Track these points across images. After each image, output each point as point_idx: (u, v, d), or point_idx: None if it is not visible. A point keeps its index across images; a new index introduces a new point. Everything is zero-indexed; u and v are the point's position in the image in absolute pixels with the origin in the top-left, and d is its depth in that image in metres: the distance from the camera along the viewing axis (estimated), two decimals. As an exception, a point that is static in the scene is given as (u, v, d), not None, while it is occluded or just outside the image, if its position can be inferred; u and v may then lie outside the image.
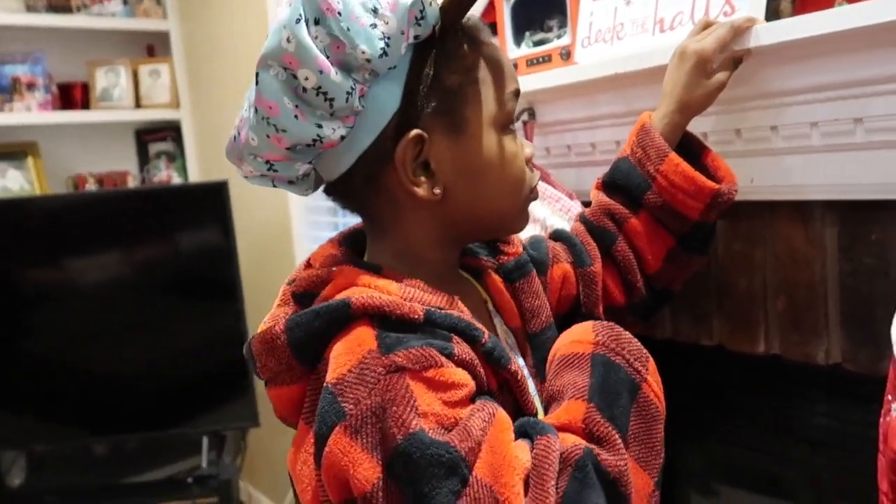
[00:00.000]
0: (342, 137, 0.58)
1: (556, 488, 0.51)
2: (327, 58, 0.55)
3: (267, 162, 0.62)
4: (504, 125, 0.63)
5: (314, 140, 0.58)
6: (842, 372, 0.90)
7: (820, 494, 1.07)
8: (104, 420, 2.20)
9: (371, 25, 0.55)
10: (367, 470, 0.51)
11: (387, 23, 0.56)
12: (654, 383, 0.61)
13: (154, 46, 2.93)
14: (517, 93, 0.64)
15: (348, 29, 0.55)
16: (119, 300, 2.21)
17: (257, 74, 0.57)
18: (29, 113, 2.50)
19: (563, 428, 0.57)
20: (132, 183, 2.86)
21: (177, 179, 2.95)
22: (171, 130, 2.93)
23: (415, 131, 0.59)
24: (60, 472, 2.28)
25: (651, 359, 0.62)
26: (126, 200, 2.33)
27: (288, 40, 0.55)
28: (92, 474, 2.25)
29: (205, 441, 2.25)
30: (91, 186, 2.72)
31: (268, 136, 0.59)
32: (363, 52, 0.55)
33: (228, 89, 2.60)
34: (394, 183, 0.61)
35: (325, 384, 0.54)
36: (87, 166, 2.77)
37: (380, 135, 0.59)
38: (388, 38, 0.56)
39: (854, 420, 0.98)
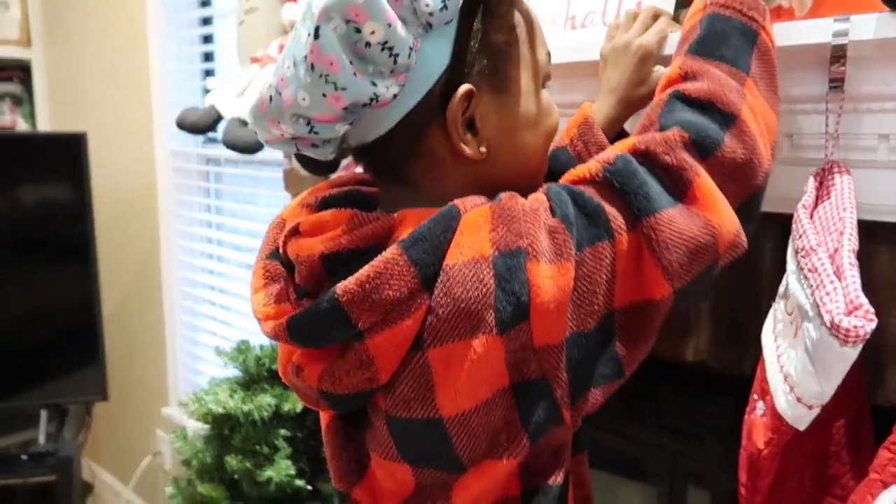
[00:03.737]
0: (394, 96, 0.56)
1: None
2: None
3: (309, 123, 0.57)
4: (543, 82, 0.64)
5: (371, 99, 0.55)
6: (707, 368, 0.97)
7: (674, 478, 1.15)
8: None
9: None
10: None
11: None
12: (770, 33, 0.65)
13: (2, -27, 2.60)
14: (549, 53, 0.65)
15: None
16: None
17: (317, 28, 0.53)
18: None
19: (662, 88, 0.63)
20: (-32, 125, 2.54)
21: (23, 126, 2.65)
22: (18, 70, 2.62)
23: (466, 86, 0.58)
24: None
25: (769, 11, 0.66)
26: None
27: None
28: None
29: (43, 414, 2.06)
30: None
31: (324, 96, 0.55)
32: (427, 5, 0.54)
33: (89, 29, 2.36)
34: (438, 142, 0.59)
35: (483, 258, 0.53)
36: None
37: (427, 93, 0.57)
38: None
39: (712, 413, 1.06)
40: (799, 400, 0.65)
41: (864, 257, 0.80)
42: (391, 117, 0.57)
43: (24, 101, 2.69)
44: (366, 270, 0.53)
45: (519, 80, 0.61)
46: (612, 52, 0.79)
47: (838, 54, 0.65)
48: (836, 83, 0.68)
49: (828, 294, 0.60)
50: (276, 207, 1.81)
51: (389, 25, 0.52)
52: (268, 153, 1.83)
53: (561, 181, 0.60)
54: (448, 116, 0.58)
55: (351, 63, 0.53)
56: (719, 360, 0.95)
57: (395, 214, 0.57)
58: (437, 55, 0.56)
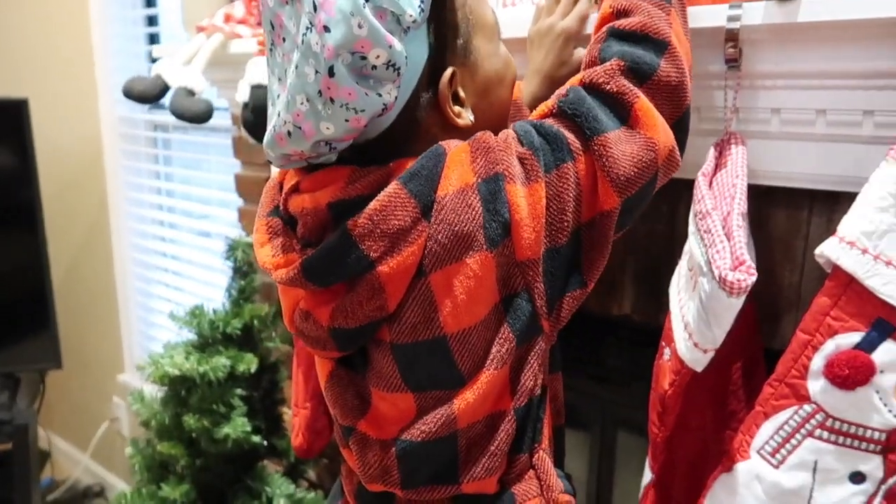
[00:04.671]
0: (395, 98, 0.61)
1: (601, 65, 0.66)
2: None
3: (328, 143, 0.62)
4: (498, 36, 0.70)
5: (382, 109, 0.60)
6: (631, 322, 1.05)
7: (605, 422, 1.25)
8: None
9: None
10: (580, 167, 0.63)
11: None
12: None
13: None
14: (493, 11, 0.71)
15: None
16: None
17: (331, 67, 0.57)
18: None
19: (597, 28, 0.69)
20: None
21: (-41, 90, 2.57)
22: (-49, 31, 2.53)
23: (450, 69, 0.64)
24: None
25: None
26: None
27: (360, 26, 0.56)
28: None
29: (-4, 383, 2.07)
30: None
31: (346, 121, 0.60)
32: (410, 16, 0.59)
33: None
34: (432, 122, 0.65)
35: (469, 186, 0.60)
36: None
37: (416, 84, 0.62)
38: None
39: (638, 362, 1.16)
40: (696, 345, 0.74)
41: (763, 218, 0.89)
42: (392, 115, 0.62)
43: (-42, 64, 2.60)
44: (372, 205, 0.60)
45: (481, 45, 0.67)
46: (536, 35, 0.85)
47: (731, 37, 0.73)
48: (731, 63, 0.75)
49: (718, 252, 0.68)
50: (225, 174, 1.83)
51: (390, 46, 0.57)
52: (217, 120, 1.84)
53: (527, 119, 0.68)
54: (440, 99, 0.64)
55: (360, 85, 0.58)
56: (641, 314, 1.04)
57: (391, 164, 0.63)
58: (418, 51, 0.62)
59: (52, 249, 2.10)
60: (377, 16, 0.57)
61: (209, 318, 1.28)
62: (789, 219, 0.87)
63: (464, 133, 0.65)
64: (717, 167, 0.79)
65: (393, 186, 0.60)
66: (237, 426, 1.21)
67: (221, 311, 1.32)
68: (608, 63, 0.66)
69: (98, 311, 2.39)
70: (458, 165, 0.61)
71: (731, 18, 0.72)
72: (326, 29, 0.57)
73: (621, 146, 0.64)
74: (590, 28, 0.85)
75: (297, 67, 0.60)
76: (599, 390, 1.24)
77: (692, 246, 0.75)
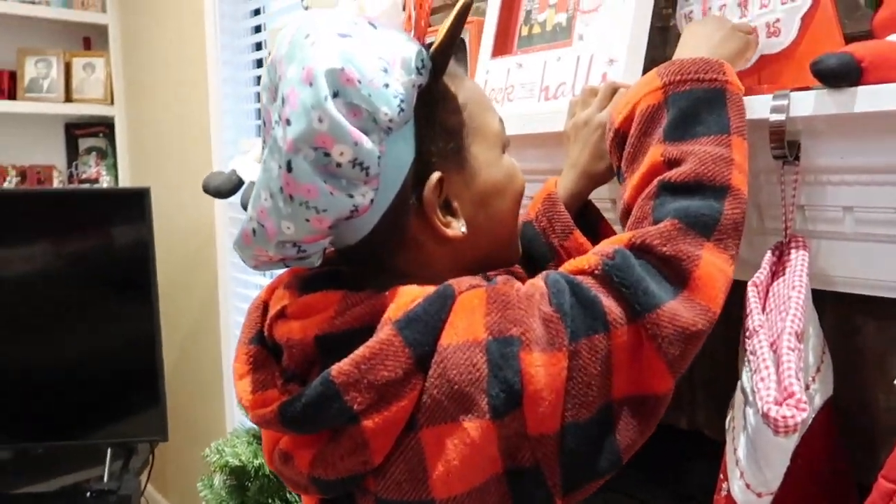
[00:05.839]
0: (371, 201, 0.57)
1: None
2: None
3: (296, 245, 0.59)
4: (504, 146, 0.66)
5: (352, 211, 0.57)
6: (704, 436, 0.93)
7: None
8: (5, 426, 2.13)
9: (384, 85, 0.56)
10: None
11: (398, 79, 0.56)
12: (734, 80, 0.64)
13: (91, 39, 2.85)
14: (501, 121, 0.67)
15: (369, 95, 0.55)
16: (27, 300, 2.14)
17: (289, 161, 0.55)
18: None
19: (645, 177, 0.63)
20: (57, 178, 2.77)
21: (106, 177, 2.87)
22: (103, 126, 2.86)
23: (437, 174, 0.59)
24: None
25: (726, 62, 0.65)
26: (45, 200, 2.26)
27: (320, 120, 0.54)
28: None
29: (109, 452, 2.19)
30: (12, 179, 2.64)
31: (307, 220, 0.57)
32: (386, 114, 0.55)
33: (161, 88, 2.55)
34: (419, 230, 0.61)
35: (477, 343, 0.54)
36: (9, 158, 2.68)
37: (400, 188, 0.59)
38: (402, 95, 0.56)
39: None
40: (748, 486, 0.62)
41: (851, 332, 0.76)
42: (371, 219, 0.59)
43: (108, 154, 2.92)
44: (361, 351, 0.54)
45: (480, 153, 0.63)
46: (573, 129, 0.79)
47: (777, 130, 0.64)
48: (780, 157, 0.66)
49: (762, 380, 0.57)
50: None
51: (356, 143, 0.54)
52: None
53: (561, 269, 0.60)
54: (426, 205, 0.59)
55: (326, 184, 0.54)
56: (714, 430, 0.91)
57: (387, 293, 0.57)
58: (402, 152, 0.58)
59: (164, 327, 2.24)
60: (349, 112, 0.54)
61: (271, 409, 1.27)
62: (882, 332, 0.74)
63: (457, 245, 0.60)
64: (775, 274, 0.68)
65: (387, 332, 0.54)
66: (289, 524, 1.18)
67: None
68: (663, 223, 0.58)
69: (205, 387, 2.50)
70: (467, 314, 0.55)
71: (774, 110, 0.63)
72: (288, 122, 0.54)
73: (678, 321, 0.56)
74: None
75: (265, 162, 0.57)
76: (680, 509, 1.10)
77: (742, 369, 0.65)
